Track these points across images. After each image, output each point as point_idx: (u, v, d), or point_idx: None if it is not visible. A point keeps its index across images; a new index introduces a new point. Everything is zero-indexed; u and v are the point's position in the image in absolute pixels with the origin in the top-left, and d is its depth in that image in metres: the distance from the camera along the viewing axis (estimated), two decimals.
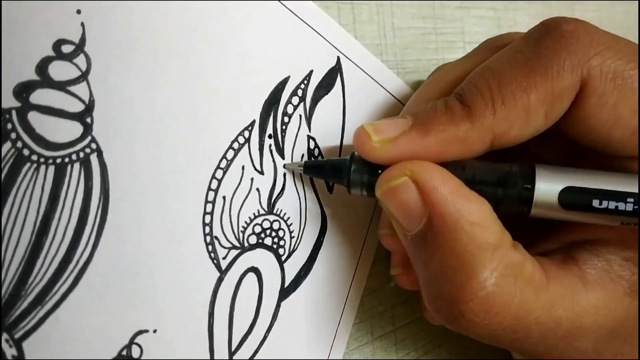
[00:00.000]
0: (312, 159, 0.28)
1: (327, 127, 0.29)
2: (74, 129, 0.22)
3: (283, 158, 0.27)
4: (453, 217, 0.22)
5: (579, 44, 0.22)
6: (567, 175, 0.23)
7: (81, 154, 0.22)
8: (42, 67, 0.21)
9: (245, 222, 0.26)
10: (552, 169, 0.24)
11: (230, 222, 0.26)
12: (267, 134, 0.27)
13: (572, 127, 0.24)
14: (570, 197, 0.23)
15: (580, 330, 0.23)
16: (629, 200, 0.23)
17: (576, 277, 0.23)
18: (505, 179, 0.24)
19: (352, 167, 0.25)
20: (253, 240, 0.27)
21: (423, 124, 0.23)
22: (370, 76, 0.30)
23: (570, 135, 0.24)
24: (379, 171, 0.24)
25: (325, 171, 0.26)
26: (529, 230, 0.26)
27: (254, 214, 0.27)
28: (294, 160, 0.28)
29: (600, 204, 0.23)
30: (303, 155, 0.28)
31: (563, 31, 0.23)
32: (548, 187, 0.23)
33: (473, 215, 0.22)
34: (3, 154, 0.20)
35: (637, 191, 0.23)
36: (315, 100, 0.28)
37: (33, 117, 0.21)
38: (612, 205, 0.23)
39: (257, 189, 0.27)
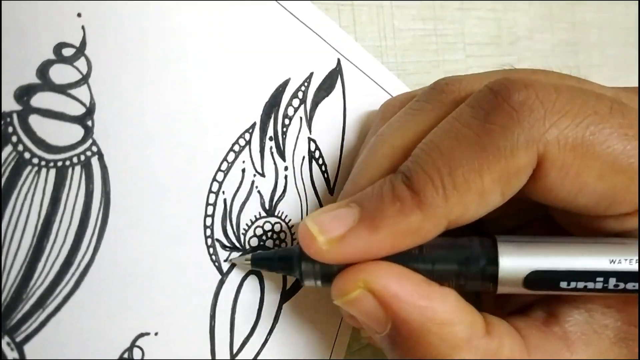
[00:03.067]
0: (314, 162, 0.28)
1: (328, 129, 0.29)
2: (75, 132, 0.22)
3: (284, 160, 0.27)
4: (418, 322, 0.21)
5: (532, 117, 0.20)
6: (531, 253, 0.22)
7: (82, 157, 0.22)
8: (43, 70, 0.21)
9: (247, 224, 0.26)
10: (514, 245, 0.22)
11: (232, 224, 0.26)
12: (267, 136, 0.27)
13: (533, 195, 0.22)
14: (536, 279, 0.22)
15: None
16: (597, 279, 0.21)
17: (559, 340, 0.23)
18: (467, 258, 0.22)
19: (302, 258, 0.23)
20: (254, 242, 0.27)
21: (371, 218, 0.21)
22: (370, 78, 0.30)
23: (532, 199, 0.23)
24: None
25: (274, 263, 0.25)
26: None
27: (255, 216, 0.27)
28: (295, 162, 0.28)
29: (568, 284, 0.22)
30: (304, 157, 0.28)
31: (514, 103, 0.21)
32: (512, 269, 0.22)
33: (438, 314, 0.21)
34: (4, 157, 0.20)
35: (605, 268, 0.21)
36: (316, 103, 0.28)
37: (34, 120, 0.21)
38: (580, 285, 0.22)
39: (259, 191, 0.27)
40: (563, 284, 0.22)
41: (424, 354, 0.21)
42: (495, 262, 0.22)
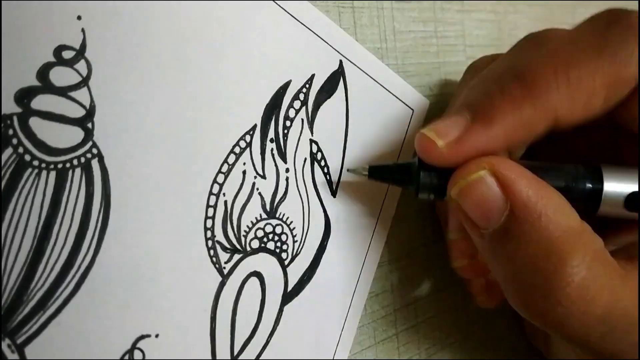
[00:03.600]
0: (315, 164, 0.28)
1: (330, 130, 0.29)
2: (75, 135, 0.22)
3: (285, 162, 0.27)
4: (537, 206, 0.22)
5: None
6: (632, 177, 0.24)
7: (82, 159, 0.22)
8: (43, 72, 0.21)
9: (248, 226, 0.26)
10: (617, 170, 0.24)
11: (232, 226, 0.26)
12: (268, 138, 0.27)
13: (626, 115, 0.24)
14: (635, 200, 0.24)
15: None
16: None
17: None
18: (574, 178, 0.24)
19: (420, 170, 0.24)
20: (255, 244, 0.27)
21: (484, 114, 0.23)
22: (373, 79, 0.30)
23: (622, 124, 0.24)
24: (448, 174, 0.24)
25: (392, 174, 0.26)
26: None
27: (256, 218, 0.27)
28: (297, 164, 0.28)
29: None
30: (305, 159, 0.28)
31: (631, 22, 0.22)
32: (614, 190, 0.24)
33: (554, 202, 0.22)
34: (4, 159, 0.20)
35: None
36: (318, 104, 0.28)
37: (34, 122, 0.21)
38: None
39: (260, 193, 0.27)
40: None
41: (538, 239, 0.21)
42: (600, 183, 0.24)
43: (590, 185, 0.24)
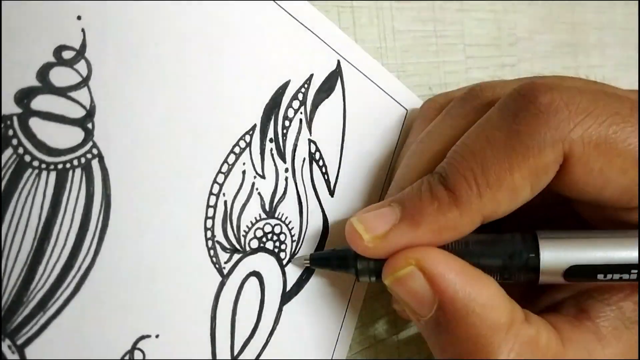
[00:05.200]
0: (314, 164, 0.28)
1: (328, 130, 0.29)
2: (75, 135, 0.22)
3: (284, 162, 0.27)
4: (463, 302, 0.22)
5: (557, 118, 0.22)
6: (569, 248, 0.24)
7: (82, 160, 0.22)
8: (43, 73, 0.21)
9: (247, 226, 0.26)
10: (554, 241, 0.24)
11: (232, 226, 0.26)
12: (268, 138, 0.27)
13: (560, 189, 0.24)
14: (575, 272, 0.24)
15: None
16: (632, 271, 0.23)
17: (591, 334, 0.24)
18: (510, 254, 0.24)
19: (357, 258, 0.25)
20: (255, 244, 0.27)
21: (412, 216, 0.23)
22: (370, 79, 0.30)
23: (560, 194, 0.24)
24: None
25: (332, 262, 0.27)
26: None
27: (255, 218, 0.27)
28: (296, 163, 0.28)
29: (605, 277, 0.23)
30: (304, 159, 0.28)
31: (540, 105, 0.22)
32: (552, 262, 0.24)
33: (482, 297, 0.22)
34: (4, 160, 0.20)
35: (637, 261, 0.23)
36: (316, 104, 0.28)
37: (34, 123, 0.21)
38: (616, 276, 0.23)
39: (259, 193, 0.27)
40: (600, 276, 0.23)
41: (466, 335, 0.22)
42: (536, 256, 0.24)
43: (526, 259, 0.24)
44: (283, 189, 0.27)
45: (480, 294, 0.22)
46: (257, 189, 0.27)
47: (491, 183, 0.22)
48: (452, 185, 0.23)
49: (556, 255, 0.24)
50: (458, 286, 0.22)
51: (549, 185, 0.23)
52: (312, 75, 0.28)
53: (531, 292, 0.25)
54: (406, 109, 0.32)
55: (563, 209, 0.27)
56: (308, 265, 0.28)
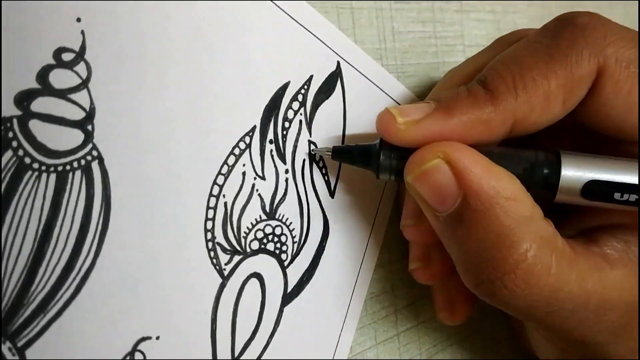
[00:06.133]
0: (314, 165, 0.28)
1: (328, 131, 0.29)
2: (75, 137, 0.22)
3: (284, 163, 0.27)
4: (488, 194, 0.22)
5: (594, 35, 0.23)
6: (590, 165, 0.24)
7: (82, 162, 0.22)
8: (43, 75, 0.21)
9: (247, 227, 0.26)
10: (575, 157, 0.24)
11: (232, 227, 0.26)
12: (268, 139, 0.27)
13: (588, 114, 0.25)
14: (592, 189, 0.24)
15: (608, 304, 0.24)
16: None
17: (600, 256, 0.24)
18: (532, 164, 0.24)
19: (381, 152, 0.25)
20: (255, 245, 0.27)
21: (447, 106, 0.24)
22: (370, 80, 0.30)
23: (585, 123, 0.25)
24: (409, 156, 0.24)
25: (354, 156, 0.27)
26: (547, 215, 0.27)
27: (255, 219, 0.27)
28: (296, 165, 0.28)
29: (622, 196, 0.24)
30: (304, 159, 0.28)
31: (579, 24, 0.24)
32: (572, 177, 0.24)
33: (507, 190, 0.23)
34: (4, 162, 0.20)
35: None
36: (316, 105, 0.28)
37: (34, 125, 0.21)
38: (632, 197, 0.24)
39: (259, 195, 0.27)
40: (617, 195, 0.24)
41: (488, 226, 0.23)
42: (557, 170, 0.24)
43: (547, 171, 0.24)
44: (283, 190, 0.27)
45: (505, 188, 0.22)
46: (257, 190, 0.27)
47: (528, 86, 0.23)
48: (490, 84, 0.24)
49: (576, 171, 0.24)
50: (484, 180, 0.22)
51: (576, 112, 0.24)
52: (311, 76, 0.28)
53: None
54: None
55: (584, 146, 0.27)
56: (329, 156, 0.27)
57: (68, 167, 0.22)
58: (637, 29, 0.25)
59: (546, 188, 0.24)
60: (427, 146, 0.24)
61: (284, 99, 0.27)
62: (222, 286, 0.25)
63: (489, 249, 0.23)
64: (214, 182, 0.25)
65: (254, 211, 0.27)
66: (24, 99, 0.21)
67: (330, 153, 0.27)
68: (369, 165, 0.26)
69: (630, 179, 0.24)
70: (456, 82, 0.28)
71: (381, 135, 0.25)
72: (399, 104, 0.32)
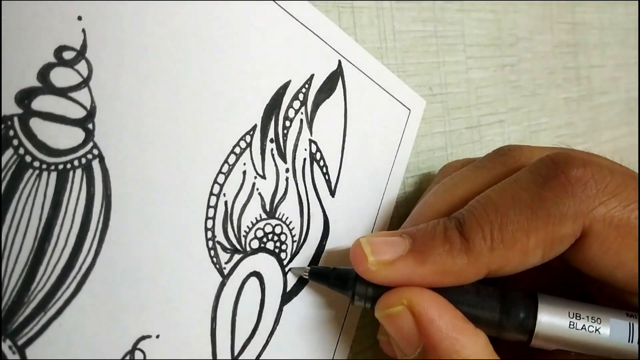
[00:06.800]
0: (315, 164, 0.28)
1: (329, 130, 0.29)
2: (76, 135, 0.22)
3: (285, 162, 0.27)
4: (446, 351, 0.22)
5: (585, 193, 0.22)
6: (565, 313, 0.24)
7: (83, 160, 0.22)
8: (44, 73, 0.21)
9: (248, 226, 0.26)
10: (554, 307, 0.24)
11: (232, 226, 0.26)
12: (268, 138, 0.27)
13: (573, 261, 0.24)
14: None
15: None
16: None
17: None
18: (507, 312, 0.24)
19: (356, 282, 0.25)
20: (255, 244, 0.27)
21: (421, 251, 0.23)
22: (371, 79, 0.30)
23: (571, 264, 0.24)
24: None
25: (330, 280, 0.27)
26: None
27: (256, 218, 0.27)
28: (296, 164, 0.28)
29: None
30: (305, 159, 0.28)
31: (571, 177, 0.23)
32: (550, 323, 0.24)
33: (467, 350, 0.22)
34: (5, 161, 0.20)
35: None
36: (317, 104, 0.28)
37: (35, 123, 0.21)
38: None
39: (259, 193, 0.27)
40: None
41: None
42: (534, 313, 0.24)
43: (523, 315, 0.24)
44: (284, 189, 0.27)
45: (465, 347, 0.22)
46: (257, 189, 0.27)
47: (505, 240, 0.22)
48: (467, 233, 0.23)
49: (552, 318, 0.24)
50: (444, 335, 0.22)
51: (562, 255, 0.23)
52: (312, 75, 0.28)
53: (523, 352, 0.25)
54: (408, 109, 0.32)
55: (570, 277, 0.27)
56: (307, 277, 0.27)
57: (69, 166, 0.22)
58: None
59: (522, 332, 0.24)
60: (394, 290, 0.24)
61: (284, 98, 0.27)
62: (222, 285, 0.25)
63: None
64: (215, 181, 0.25)
65: (254, 210, 0.27)
66: (24, 97, 0.21)
67: (307, 274, 0.27)
68: (344, 290, 0.26)
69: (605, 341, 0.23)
70: (438, 209, 0.27)
71: (355, 270, 0.25)
72: (401, 103, 0.31)
